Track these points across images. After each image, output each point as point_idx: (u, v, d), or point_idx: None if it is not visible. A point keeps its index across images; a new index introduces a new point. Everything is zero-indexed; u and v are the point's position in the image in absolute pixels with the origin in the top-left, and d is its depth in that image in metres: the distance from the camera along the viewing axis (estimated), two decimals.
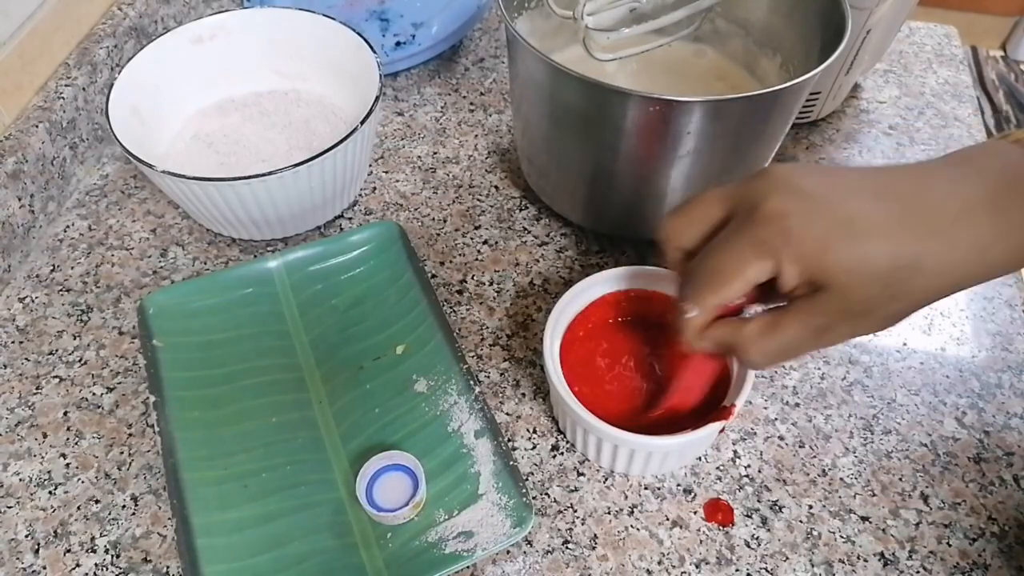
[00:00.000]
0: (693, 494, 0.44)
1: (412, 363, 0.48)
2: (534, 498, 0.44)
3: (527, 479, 0.45)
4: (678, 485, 0.45)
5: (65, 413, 0.47)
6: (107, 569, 0.41)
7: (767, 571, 0.42)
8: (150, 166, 0.49)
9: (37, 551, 0.42)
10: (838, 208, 0.31)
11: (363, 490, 0.42)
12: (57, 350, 0.50)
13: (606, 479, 0.45)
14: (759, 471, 0.45)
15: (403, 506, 0.41)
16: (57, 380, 0.49)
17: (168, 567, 0.41)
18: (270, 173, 0.48)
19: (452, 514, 0.42)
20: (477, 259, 0.56)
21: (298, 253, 0.51)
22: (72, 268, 0.55)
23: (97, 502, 0.44)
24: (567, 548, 0.42)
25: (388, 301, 0.51)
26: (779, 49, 0.55)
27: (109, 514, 0.43)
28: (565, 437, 0.46)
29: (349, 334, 0.49)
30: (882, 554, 0.42)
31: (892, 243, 0.30)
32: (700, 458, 0.46)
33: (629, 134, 0.46)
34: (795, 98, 0.48)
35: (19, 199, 0.53)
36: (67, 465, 0.45)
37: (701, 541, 0.43)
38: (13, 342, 0.51)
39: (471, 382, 0.46)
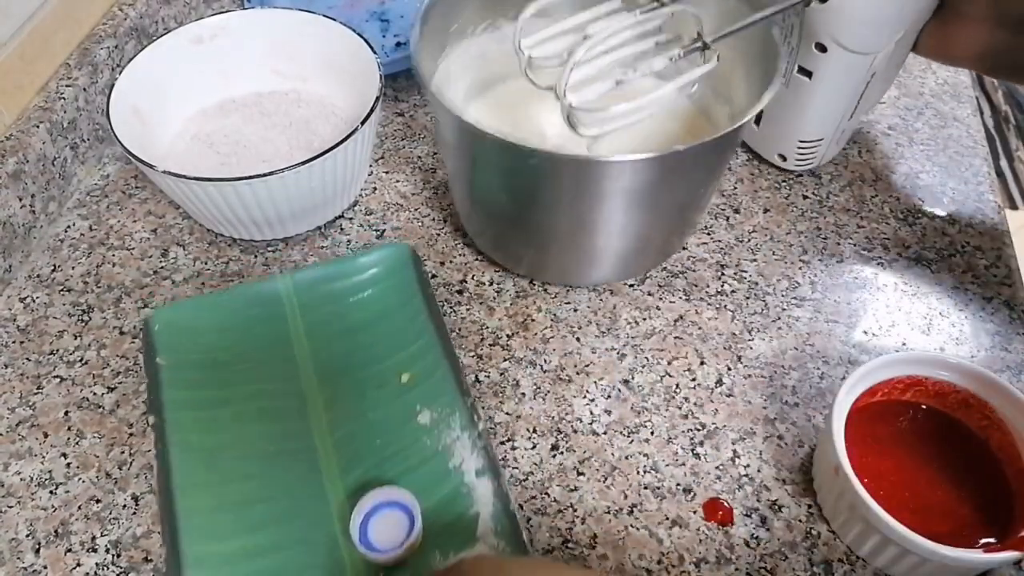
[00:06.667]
0: (692, 493, 0.44)
1: (416, 393, 0.46)
2: (533, 498, 0.44)
3: (527, 479, 0.45)
4: (677, 484, 0.45)
5: (66, 413, 0.47)
6: (108, 568, 0.41)
7: (766, 570, 0.42)
8: (151, 166, 0.49)
9: (38, 551, 0.42)
10: None
11: (357, 527, 0.40)
12: (58, 350, 0.50)
13: (606, 479, 0.45)
14: (758, 471, 0.45)
15: (397, 547, 0.40)
16: (58, 380, 0.49)
17: None
18: (271, 173, 0.48)
19: (448, 556, 0.40)
20: (477, 259, 0.56)
21: (308, 273, 0.50)
22: (73, 268, 0.55)
23: (98, 502, 0.44)
24: (567, 548, 0.42)
25: (396, 327, 0.49)
26: (730, 100, 0.53)
27: (110, 514, 0.43)
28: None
29: (355, 359, 0.48)
30: None
31: None
32: (699, 457, 0.46)
33: (551, 190, 0.45)
34: (715, 153, 0.47)
35: (20, 199, 0.53)
36: (68, 465, 0.45)
37: (700, 540, 0.43)
38: (14, 342, 0.51)
39: (475, 417, 0.45)
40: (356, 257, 0.51)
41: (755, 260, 0.56)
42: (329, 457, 0.44)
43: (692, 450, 0.46)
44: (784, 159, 0.60)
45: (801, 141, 0.58)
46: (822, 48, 0.51)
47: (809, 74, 0.53)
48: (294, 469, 0.44)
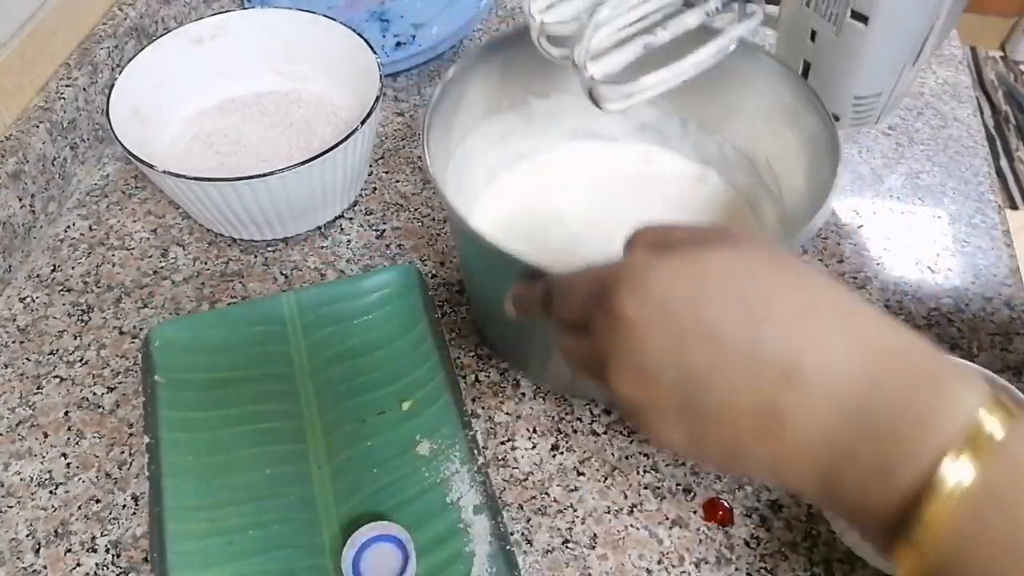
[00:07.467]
0: (692, 493, 0.44)
1: (417, 422, 0.45)
2: (533, 498, 0.44)
3: (527, 479, 0.45)
4: (677, 484, 0.45)
5: (66, 413, 0.47)
6: (108, 568, 0.41)
7: (766, 570, 0.42)
8: (151, 166, 0.49)
9: (38, 551, 0.42)
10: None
11: (349, 562, 0.39)
12: (58, 350, 0.50)
13: (606, 478, 0.45)
14: None
15: None
16: (58, 380, 0.49)
17: None
18: (270, 173, 0.48)
19: None
20: None
21: (312, 293, 0.50)
22: (73, 268, 0.55)
23: (98, 502, 0.44)
24: (567, 548, 0.42)
25: (399, 351, 0.48)
26: (780, 198, 0.46)
27: (110, 514, 0.43)
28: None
29: (356, 384, 0.47)
30: None
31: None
32: None
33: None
34: None
35: (20, 199, 0.53)
36: (68, 465, 0.45)
37: (700, 540, 0.43)
38: (14, 342, 0.51)
39: (475, 451, 0.44)
40: (362, 279, 0.50)
41: None
42: (325, 482, 0.43)
43: None
44: (837, 119, 0.51)
45: (857, 97, 0.50)
46: None
47: (865, 19, 0.45)
48: (288, 494, 0.43)
